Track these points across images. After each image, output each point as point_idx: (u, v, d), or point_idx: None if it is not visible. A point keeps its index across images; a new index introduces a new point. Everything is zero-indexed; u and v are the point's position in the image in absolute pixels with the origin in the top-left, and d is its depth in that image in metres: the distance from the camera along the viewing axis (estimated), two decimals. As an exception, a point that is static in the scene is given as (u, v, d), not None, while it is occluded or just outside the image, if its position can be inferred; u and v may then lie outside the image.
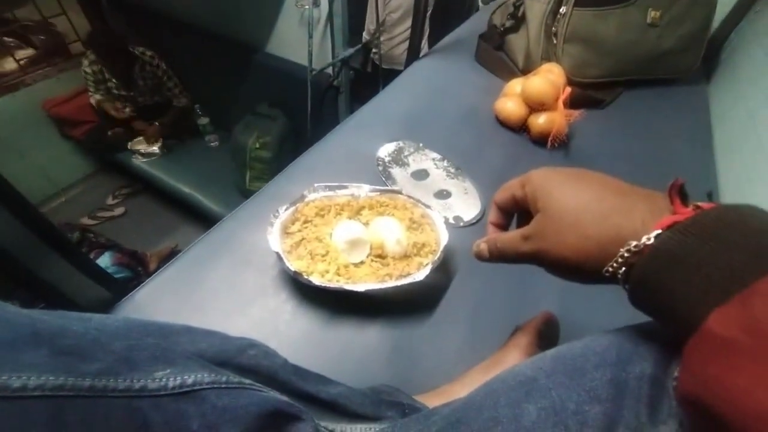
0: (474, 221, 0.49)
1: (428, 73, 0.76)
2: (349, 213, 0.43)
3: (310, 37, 1.26)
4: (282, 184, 0.51)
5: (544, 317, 0.39)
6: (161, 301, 0.39)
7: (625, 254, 0.19)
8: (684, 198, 0.19)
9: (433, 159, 0.56)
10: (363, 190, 0.44)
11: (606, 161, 0.63)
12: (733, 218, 0.17)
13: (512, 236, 0.25)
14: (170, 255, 1.86)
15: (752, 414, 0.13)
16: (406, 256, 0.41)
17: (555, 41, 0.72)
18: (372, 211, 0.44)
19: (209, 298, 0.39)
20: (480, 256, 0.27)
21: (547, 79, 0.61)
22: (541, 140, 0.63)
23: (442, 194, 0.51)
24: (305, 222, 0.41)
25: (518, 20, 0.78)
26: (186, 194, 1.84)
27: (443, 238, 0.41)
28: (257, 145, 1.60)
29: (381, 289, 0.37)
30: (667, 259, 0.17)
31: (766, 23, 0.78)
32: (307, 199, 0.42)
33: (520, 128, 0.65)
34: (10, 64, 1.82)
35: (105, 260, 1.39)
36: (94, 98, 1.83)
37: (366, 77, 2.14)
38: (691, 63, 0.80)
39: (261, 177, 1.68)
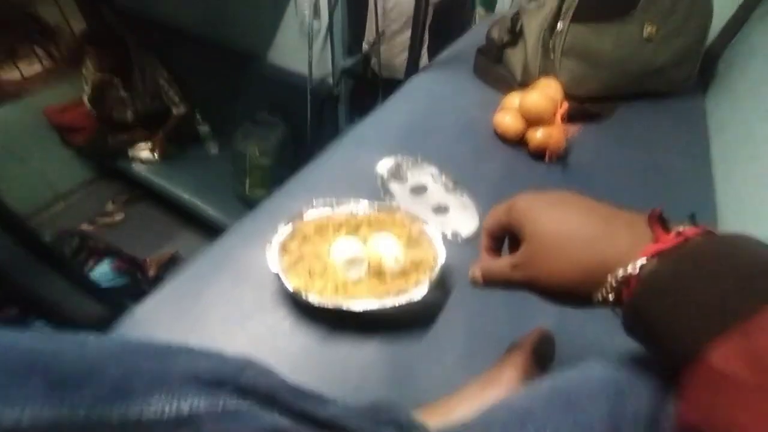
0: (472, 236, 0.49)
1: (427, 87, 0.77)
2: (347, 230, 0.43)
3: (310, 48, 1.27)
4: (281, 199, 0.52)
5: (539, 334, 0.39)
6: (160, 317, 0.39)
7: (613, 283, 0.19)
8: (665, 224, 0.20)
9: (432, 173, 0.56)
10: (361, 207, 0.45)
11: (603, 175, 0.64)
12: (722, 248, 0.17)
13: (502, 265, 0.25)
14: (170, 261, 1.86)
15: None
16: (404, 273, 0.41)
17: (552, 56, 0.73)
18: (370, 227, 0.44)
19: (208, 315, 0.39)
20: (474, 284, 0.28)
21: (545, 93, 0.62)
22: (539, 154, 0.63)
23: (441, 209, 0.52)
24: (304, 239, 0.41)
25: (516, 35, 0.79)
26: (186, 201, 1.84)
27: (441, 254, 0.42)
28: (257, 153, 1.61)
29: (378, 309, 0.37)
30: (658, 290, 0.17)
31: (761, 37, 0.79)
32: (305, 216, 0.42)
33: (519, 142, 0.65)
34: (14, 73, 1.84)
35: (104, 267, 1.39)
36: (94, 98, 1.82)
37: (366, 86, 2.15)
38: (687, 76, 0.81)
39: (260, 184, 1.68)
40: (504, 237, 0.28)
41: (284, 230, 0.41)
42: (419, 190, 0.54)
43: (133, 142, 1.96)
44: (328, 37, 1.41)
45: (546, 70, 0.75)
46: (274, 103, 1.67)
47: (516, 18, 0.77)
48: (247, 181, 1.67)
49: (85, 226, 2.02)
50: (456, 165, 0.59)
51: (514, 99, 0.67)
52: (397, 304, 0.38)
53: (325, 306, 0.37)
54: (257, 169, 1.64)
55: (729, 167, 0.68)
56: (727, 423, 0.14)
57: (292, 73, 1.61)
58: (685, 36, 0.75)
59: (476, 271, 0.27)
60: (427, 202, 0.52)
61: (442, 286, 0.44)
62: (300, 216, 0.42)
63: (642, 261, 0.18)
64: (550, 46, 0.73)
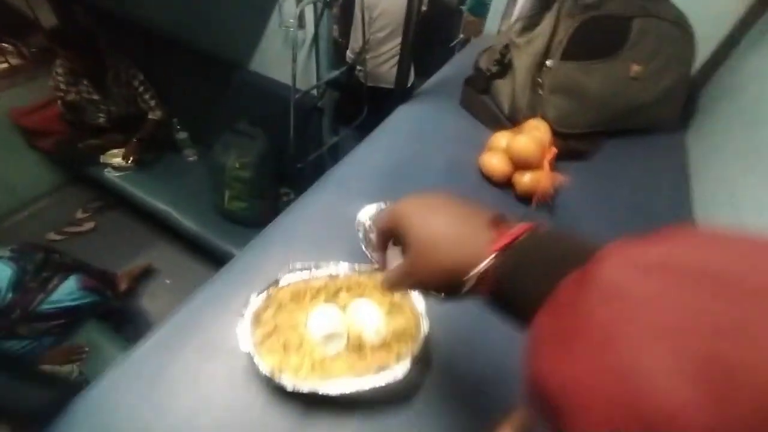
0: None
1: (412, 120, 0.74)
2: (326, 296, 0.40)
3: (294, 61, 1.23)
4: (255, 252, 0.48)
5: (525, 411, 0.38)
6: (116, 399, 0.35)
7: (473, 280, 0.23)
8: (503, 224, 0.25)
9: (416, 221, 0.54)
10: (341, 269, 0.42)
11: (588, 216, 0.63)
12: (540, 242, 0.23)
13: (398, 274, 0.28)
14: (143, 273, 1.78)
15: (555, 389, 0.16)
16: (385, 345, 0.38)
17: (540, 91, 0.72)
18: (350, 292, 0.41)
19: (171, 394, 0.36)
20: (387, 290, 0.30)
21: (534, 137, 0.60)
22: (526, 198, 0.62)
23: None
24: (279, 307, 0.38)
25: (505, 67, 0.78)
26: (161, 210, 1.77)
27: (424, 323, 0.39)
28: (237, 165, 1.55)
29: (356, 392, 0.35)
30: (503, 279, 0.22)
31: (738, 79, 0.80)
32: (281, 283, 0.39)
33: (506, 183, 0.64)
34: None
35: (70, 284, 1.31)
36: (66, 100, 1.72)
37: (350, 95, 2.12)
38: (670, 114, 0.82)
39: (239, 197, 1.63)
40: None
41: (258, 299, 0.38)
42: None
43: (105, 148, 1.87)
44: (313, 49, 1.37)
45: (533, 105, 0.74)
46: (256, 113, 1.62)
47: (505, 50, 0.76)
48: (227, 193, 1.62)
49: (53, 236, 1.92)
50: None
51: (500, 139, 0.66)
52: (377, 385, 0.35)
53: (300, 390, 0.34)
54: (236, 182, 1.58)
55: (707, 204, 0.69)
56: (541, 375, 0.17)
57: (275, 83, 1.56)
58: (669, 76, 0.75)
59: (384, 283, 0.30)
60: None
61: (425, 358, 0.41)
62: (275, 283, 0.39)
63: (488, 260, 0.23)
64: (539, 81, 0.72)
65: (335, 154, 1.69)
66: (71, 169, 2.01)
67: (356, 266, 0.42)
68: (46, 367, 1.10)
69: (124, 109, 1.80)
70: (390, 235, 0.30)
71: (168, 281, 1.82)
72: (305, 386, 0.34)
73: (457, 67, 0.94)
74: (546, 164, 0.59)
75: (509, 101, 0.76)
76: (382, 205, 0.55)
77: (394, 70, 1.94)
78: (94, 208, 2.05)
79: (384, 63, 1.98)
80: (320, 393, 0.34)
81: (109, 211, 2.06)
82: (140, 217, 1.90)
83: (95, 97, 1.72)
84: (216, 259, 1.71)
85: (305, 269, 0.41)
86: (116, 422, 0.34)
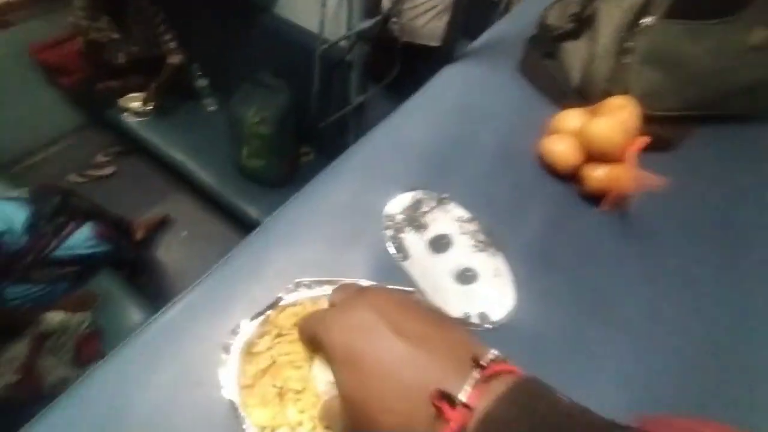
0: (505, 321, 0.37)
1: (458, 88, 0.60)
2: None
3: (323, 5, 1.07)
4: (250, 261, 0.37)
5: None
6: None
7: None
8: (449, 399, 0.17)
9: (459, 219, 0.43)
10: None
11: (671, 227, 0.50)
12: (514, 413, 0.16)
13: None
14: (158, 225, 1.76)
15: None
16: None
17: (628, 60, 0.57)
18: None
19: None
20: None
21: (618, 121, 0.47)
22: (595, 197, 0.49)
23: (465, 276, 0.39)
24: (278, 337, 0.29)
25: (583, 24, 0.62)
26: (178, 161, 1.71)
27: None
28: (256, 120, 1.45)
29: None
30: None
31: None
32: (282, 303, 0.30)
33: (571, 178, 0.51)
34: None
35: (85, 232, 1.30)
36: (86, 37, 1.63)
37: (382, 51, 1.92)
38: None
39: (258, 154, 1.54)
40: None
41: (251, 326, 0.29)
42: (441, 244, 0.41)
43: (124, 91, 1.79)
44: (345, -7, 1.20)
45: (615, 77, 0.59)
46: (279, 63, 1.48)
47: (587, 1, 0.60)
48: (245, 149, 1.53)
49: (75, 178, 1.91)
50: (490, 207, 0.45)
51: (569, 119, 0.52)
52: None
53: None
54: (255, 138, 1.48)
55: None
56: None
57: (301, 30, 1.41)
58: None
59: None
60: (448, 264, 0.40)
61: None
62: (275, 304, 0.30)
63: None
64: (629, 46, 0.56)
65: (360, 115, 1.55)
66: (92, 110, 1.95)
67: (381, 285, 0.32)
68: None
69: (145, 49, 1.70)
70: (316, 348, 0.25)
71: (184, 233, 1.80)
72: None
73: (516, 22, 0.77)
74: (630, 157, 0.46)
75: (582, 70, 0.61)
76: (419, 196, 0.44)
77: (432, 24, 1.75)
78: (114, 153, 2.02)
79: (421, 16, 1.77)
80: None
81: (129, 156, 2.02)
82: (159, 165, 1.85)
83: (115, 35, 1.62)
84: (234, 217, 1.66)
85: (315, 285, 0.31)
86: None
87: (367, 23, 1.25)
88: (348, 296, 0.24)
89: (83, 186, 1.87)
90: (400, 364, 0.19)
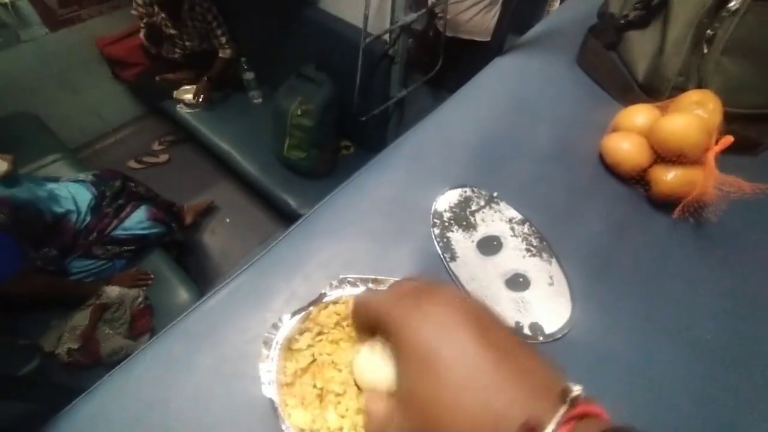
0: (558, 334, 0.35)
1: (511, 80, 0.57)
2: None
3: (368, -2, 1.06)
4: (297, 242, 0.38)
5: None
6: (105, 417, 0.29)
7: None
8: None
9: (511, 220, 0.41)
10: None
11: (751, 242, 0.45)
12: None
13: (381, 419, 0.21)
14: (206, 210, 1.85)
15: None
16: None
17: (706, 50, 0.51)
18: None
19: (172, 419, 0.29)
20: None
21: (698, 118, 0.42)
22: (664, 202, 0.45)
23: (517, 281, 0.37)
24: (319, 334, 0.29)
25: (651, 11, 0.56)
26: (224, 151, 1.79)
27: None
28: (299, 112, 1.47)
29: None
30: None
31: None
32: (326, 300, 0.30)
33: (637, 181, 0.47)
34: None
35: (140, 214, 1.39)
36: (147, 31, 1.75)
37: (425, 45, 1.89)
38: None
39: (299, 146, 1.57)
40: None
41: (291, 322, 0.29)
42: (490, 246, 0.39)
43: (178, 84, 1.90)
44: (390, -13, 1.18)
45: (687, 71, 0.53)
46: (323, 57, 1.49)
47: (659, -13, 0.54)
48: (286, 141, 1.56)
49: (133, 164, 2.05)
50: (544, 208, 0.42)
51: (634, 116, 0.48)
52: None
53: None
54: (297, 130, 1.51)
55: None
56: None
57: (345, 24, 1.41)
58: None
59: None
60: (498, 268, 0.37)
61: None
62: (318, 300, 0.30)
63: None
64: (707, 35, 0.51)
65: (400, 110, 1.53)
66: (149, 101, 2.09)
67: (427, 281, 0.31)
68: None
69: (198, 44, 1.80)
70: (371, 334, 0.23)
71: (228, 220, 1.89)
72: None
73: (574, 10, 0.72)
74: (710, 158, 0.41)
75: (648, 62, 0.56)
76: (469, 193, 0.42)
77: (477, 18, 1.69)
78: (168, 141, 2.15)
79: (466, 10, 1.71)
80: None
81: (181, 145, 2.14)
82: (207, 154, 1.94)
83: (171, 31, 1.72)
84: (274, 206, 1.71)
85: (360, 282, 0.31)
86: None
87: (411, 17, 1.23)
88: (423, 289, 0.22)
89: (140, 172, 2.00)
90: (484, 374, 0.17)
